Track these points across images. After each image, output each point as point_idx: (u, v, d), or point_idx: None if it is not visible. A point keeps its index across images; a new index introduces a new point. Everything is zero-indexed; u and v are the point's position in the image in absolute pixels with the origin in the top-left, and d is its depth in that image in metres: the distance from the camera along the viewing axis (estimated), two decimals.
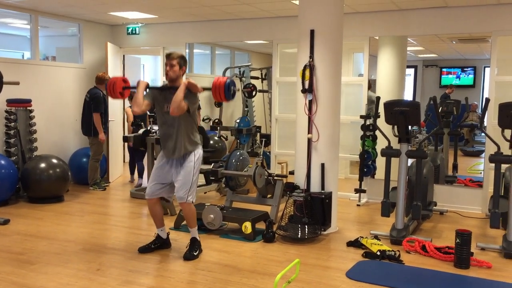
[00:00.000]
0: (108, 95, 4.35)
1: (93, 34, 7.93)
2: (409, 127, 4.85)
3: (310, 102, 4.94)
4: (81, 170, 7.30)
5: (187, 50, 7.90)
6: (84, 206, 6.15)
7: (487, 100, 5.23)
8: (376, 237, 4.72)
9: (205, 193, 6.57)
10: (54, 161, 6.38)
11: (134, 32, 7.99)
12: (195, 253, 4.20)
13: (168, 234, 4.50)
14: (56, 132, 7.33)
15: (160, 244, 4.42)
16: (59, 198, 6.37)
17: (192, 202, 4.18)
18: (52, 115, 7.24)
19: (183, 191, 4.11)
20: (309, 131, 4.98)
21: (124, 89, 4.23)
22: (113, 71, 7.61)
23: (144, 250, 4.36)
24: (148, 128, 6.53)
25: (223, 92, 3.95)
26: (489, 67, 5.93)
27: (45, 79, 7.16)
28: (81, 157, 7.36)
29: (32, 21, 7.02)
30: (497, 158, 4.57)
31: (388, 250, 4.28)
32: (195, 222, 4.31)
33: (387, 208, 4.90)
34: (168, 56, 4.12)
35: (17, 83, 6.04)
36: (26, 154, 6.47)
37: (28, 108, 6.55)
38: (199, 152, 4.21)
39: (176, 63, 4.08)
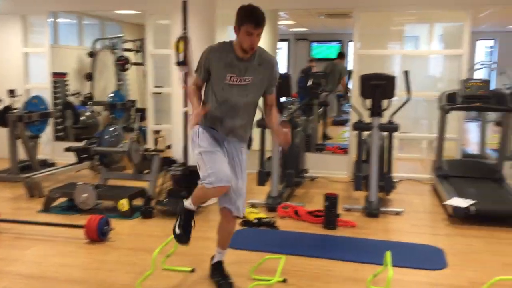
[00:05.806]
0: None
1: None
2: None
3: (186, 74, 4.89)
4: None
5: (51, 19, 7.30)
6: None
7: (406, 72, 5.01)
8: (253, 205, 4.90)
9: (76, 171, 6.23)
10: None
11: None
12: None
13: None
14: None
15: None
16: None
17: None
18: None
19: (242, 201, 3.23)
20: (185, 105, 4.94)
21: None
22: None
23: None
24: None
25: (96, 234, 3.92)
26: (352, 41, 6.35)
27: None
28: None
29: None
30: (359, 126, 4.98)
31: (264, 218, 4.46)
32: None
33: (263, 177, 5.10)
34: (258, 24, 2.94)
35: None
36: None
37: None
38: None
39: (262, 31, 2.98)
